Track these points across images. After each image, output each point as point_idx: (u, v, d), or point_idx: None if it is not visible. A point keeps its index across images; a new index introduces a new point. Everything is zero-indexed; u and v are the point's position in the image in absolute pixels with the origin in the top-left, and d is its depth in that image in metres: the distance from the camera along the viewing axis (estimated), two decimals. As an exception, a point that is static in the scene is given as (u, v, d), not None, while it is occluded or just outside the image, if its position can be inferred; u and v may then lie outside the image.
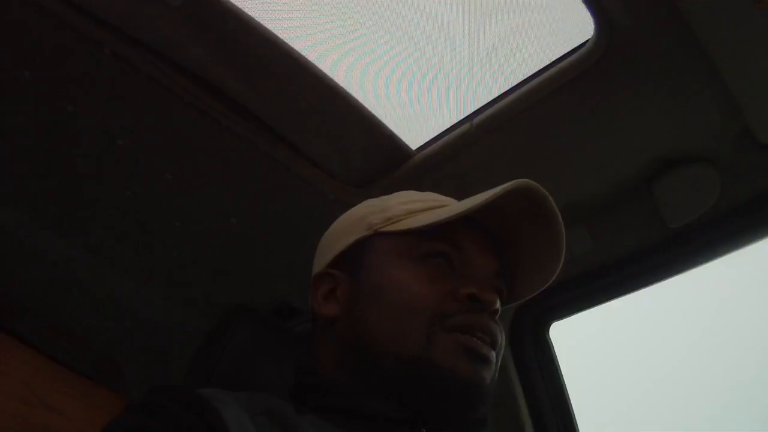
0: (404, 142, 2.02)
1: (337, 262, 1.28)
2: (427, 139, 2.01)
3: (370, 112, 1.95)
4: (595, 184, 1.95)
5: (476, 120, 1.87)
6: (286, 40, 1.80)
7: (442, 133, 1.97)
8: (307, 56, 1.83)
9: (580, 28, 1.64)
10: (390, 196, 1.34)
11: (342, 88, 1.90)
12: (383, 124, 1.98)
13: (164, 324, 2.82)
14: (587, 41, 1.65)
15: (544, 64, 1.75)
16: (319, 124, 2.00)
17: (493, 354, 1.16)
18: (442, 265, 1.20)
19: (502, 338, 1.19)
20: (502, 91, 1.83)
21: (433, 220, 1.19)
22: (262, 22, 1.76)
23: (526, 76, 1.79)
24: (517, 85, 1.80)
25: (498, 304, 1.18)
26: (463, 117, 1.92)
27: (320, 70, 1.86)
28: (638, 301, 2.08)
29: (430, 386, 1.11)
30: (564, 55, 1.72)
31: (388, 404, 1.12)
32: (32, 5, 1.73)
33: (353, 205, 1.37)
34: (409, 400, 1.12)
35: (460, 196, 1.29)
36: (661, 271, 2.00)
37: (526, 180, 1.16)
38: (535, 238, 1.25)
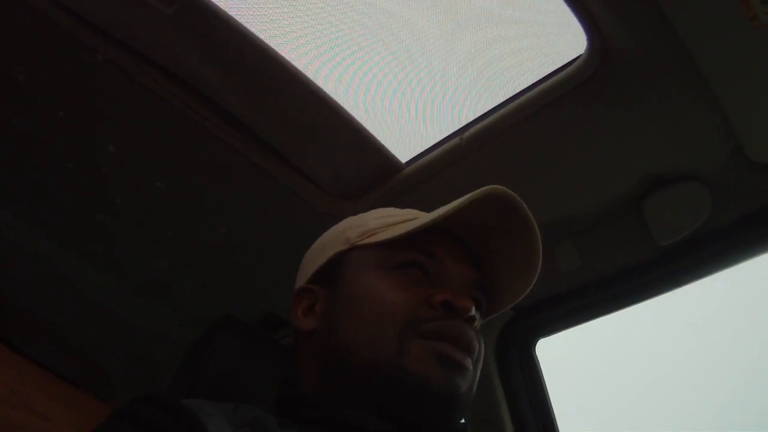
0: (394, 156, 2.01)
1: (316, 278, 1.28)
2: (417, 153, 2.00)
3: (360, 125, 1.95)
4: (584, 201, 1.94)
5: (466, 134, 1.86)
6: (278, 51, 1.80)
7: (432, 147, 1.96)
8: (299, 68, 1.83)
9: (573, 43, 1.64)
10: (369, 212, 1.35)
11: (333, 100, 1.89)
12: (373, 137, 1.97)
13: (151, 332, 2.81)
14: (579, 57, 1.64)
15: (536, 80, 1.75)
16: (309, 137, 2.00)
17: (469, 361, 1.15)
18: (417, 275, 1.19)
19: (480, 346, 1.19)
20: (493, 106, 1.83)
21: (405, 231, 1.19)
22: (255, 32, 1.76)
23: (516, 91, 1.78)
24: (508, 100, 1.80)
25: (473, 311, 1.17)
26: (453, 131, 1.91)
27: (312, 83, 1.86)
28: (626, 318, 2.08)
29: (403, 393, 1.10)
30: (556, 70, 1.71)
31: (368, 416, 1.10)
32: (27, 9, 1.72)
33: (343, 218, 1.36)
34: (386, 410, 1.11)
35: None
36: (650, 288, 2.00)
37: (496, 186, 1.16)
38: (512, 247, 1.25)
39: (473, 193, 1.17)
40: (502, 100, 1.81)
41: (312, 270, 1.30)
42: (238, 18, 1.73)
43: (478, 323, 1.23)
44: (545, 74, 1.73)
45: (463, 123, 1.89)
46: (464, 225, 1.24)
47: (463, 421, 1.19)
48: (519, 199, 1.19)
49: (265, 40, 1.77)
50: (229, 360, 1.48)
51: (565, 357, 2.31)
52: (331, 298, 1.23)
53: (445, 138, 1.93)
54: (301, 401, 1.17)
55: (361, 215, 1.34)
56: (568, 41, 1.66)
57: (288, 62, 1.81)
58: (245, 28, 1.74)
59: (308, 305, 1.26)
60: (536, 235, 1.22)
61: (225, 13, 1.71)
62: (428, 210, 1.32)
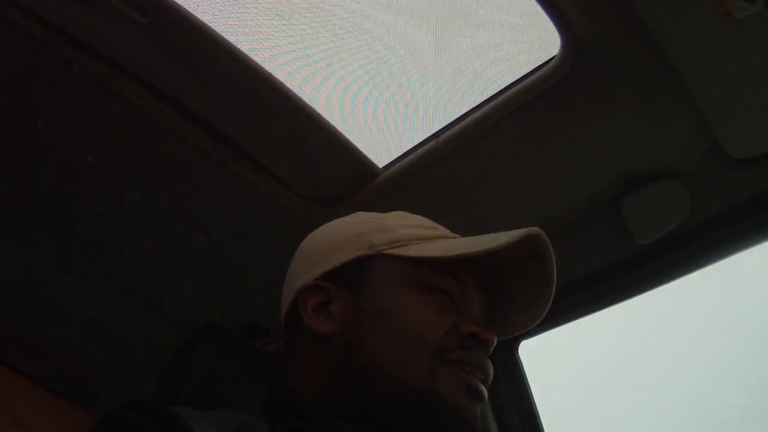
0: (371, 160, 2.01)
1: (330, 276, 1.22)
2: (394, 157, 2.00)
3: (336, 131, 1.94)
4: (562, 202, 1.94)
5: (442, 137, 1.86)
6: (253, 59, 1.79)
7: (409, 151, 1.96)
8: (274, 74, 1.83)
9: (547, 43, 1.64)
10: (387, 214, 1.30)
11: (309, 106, 1.89)
12: (350, 142, 1.97)
13: (133, 342, 2.80)
14: (553, 58, 1.64)
15: (511, 81, 1.74)
16: (286, 143, 1.99)
17: (486, 392, 1.15)
18: (446, 300, 1.17)
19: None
20: (468, 108, 1.82)
21: (445, 255, 1.17)
22: (229, 40, 1.75)
23: (492, 94, 1.78)
24: (483, 102, 1.79)
25: (495, 343, 1.17)
26: (429, 135, 1.91)
27: (288, 89, 1.85)
28: (608, 318, 2.08)
29: (429, 418, 1.09)
30: (530, 71, 1.71)
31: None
32: (2, 20, 1.72)
33: (320, 224, 1.33)
34: (398, 429, 1.10)
35: (427, 214, 1.29)
36: (631, 288, 2.00)
37: (535, 229, 1.15)
38: (527, 286, 1.24)
39: (517, 232, 1.15)
40: (478, 102, 1.81)
41: (323, 268, 1.22)
42: (213, 26, 1.72)
43: None
44: (520, 75, 1.73)
45: (440, 126, 1.88)
46: (492, 255, 1.20)
47: None
48: (550, 245, 1.19)
49: (241, 48, 1.77)
50: (211, 368, 1.47)
51: (548, 358, 2.30)
52: (353, 304, 1.18)
53: (421, 142, 1.92)
54: (298, 409, 1.15)
55: (377, 216, 1.30)
56: (542, 42, 1.65)
57: (264, 69, 1.81)
58: (221, 36, 1.74)
59: (320, 303, 1.20)
60: (553, 282, 1.22)
61: (200, 21, 1.71)
62: (408, 212, 1.31)
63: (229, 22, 1.73)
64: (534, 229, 1.15)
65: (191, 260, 2.42)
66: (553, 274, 1.21)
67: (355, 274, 1.20)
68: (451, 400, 1.09)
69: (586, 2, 1.48)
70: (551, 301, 1.24)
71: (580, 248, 1.98)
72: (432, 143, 1.88)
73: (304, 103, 1.88)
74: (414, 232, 1.23)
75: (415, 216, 1.30)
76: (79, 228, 2.35)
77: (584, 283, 2.02)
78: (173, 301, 2.60)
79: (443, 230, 1.27)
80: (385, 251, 1.19)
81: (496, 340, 1.16)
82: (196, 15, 1.70)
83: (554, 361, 2.36)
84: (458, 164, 1.88)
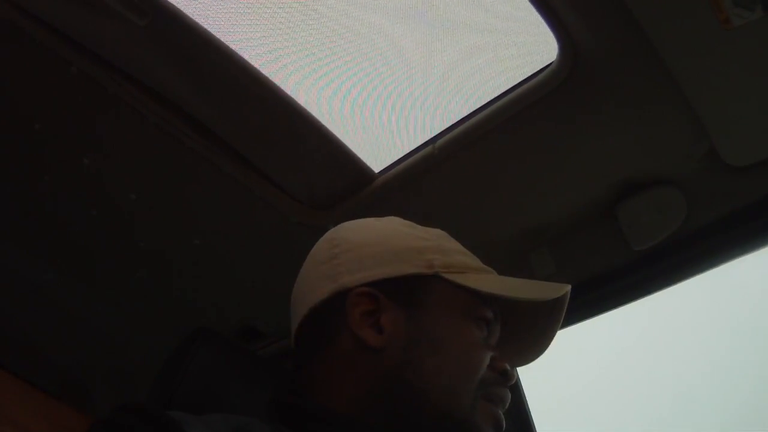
0: (367, 165, 2.00)
1: (382, 285, 1.18)
2: (390, 162, 1.99)
3: (333, 135, 1.94)
4: (558, 207, 1.94)
5: (439, 143, 1.86)
6: (250, 62, 1.79)
7: (405, 156, 1.95)
8: (271, 78, 1.82)
9: (544, 50, 1.64)
10: (430, 230, 1.27)
11: (306, 111, 1.88)
12: (346, 146, 1.96)
13: (129, 344, 2.79)
14: (551, 63, 1.64)
15: (508, 87, 1.75)
16: (282, 147, 1.99)
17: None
18: (485, 332, 1.19)
19: None
20: (466, 113, 1.82)
21: (500, 293, 1.18)
22: (227, 42, 1.75)
23: (489, 99, 1.78)
24: (480, 107, 1.79)
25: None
26: (426, 140, 1.90)
27: (284, 92, 1.85)
28: (602, 324, 2.08)
29: None
30: (527, 78, 1.71)
31: None
32: (2, 22, 1.72)
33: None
34: None
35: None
36: (627, 293, 2.00)
37: (567, 286, 1.19)
38: (531, 331, 1.27)
39: (558, 287, 1.20)
40: (475, 108, 1.81)
41: (377, 274, 1.19)
42: (210, 29, 1.72)
43: None
44: (518, 81, 1.73)
45: (437, 131, 1.88)
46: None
47: None
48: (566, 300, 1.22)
49: (238, 51, 1.76)
50: (205, 372, 1.46)
51: (542, 364, 2.30)
52: (408, 323, 1.16)
53: (418, 147, 1.92)
54: (322, 419, 1.12)
55: (427, 231, 1.26)
56: (539, 48, 1.65)
57: (261, 73, 1.80)
58: (218, 39, 1.74)
59: (367, 311, 1.16)
60: (555, 335, 1.26)
61: (197, 24, 1.70)
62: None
63: (225, 24, 1.73)
64: (566, 286, 1.19)
65: (186, 264, 2.41)
66: (557, 328, 1.26)
67: (411, 290, 1.18)
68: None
69: (583, 9, 1.48)
70: (545, 351, 1.28)
71: (576, 254, 1.99)
72: (428, 148, 1.88)
73: (301, 107, 1.87)
74: (467, 261, 1.23)
75: (452, 238, 1.29)
76: (74, 230, 2.35)
77: (580, 289, 2.00)
78: (168, 304, 2.59)
79: (483, 266, 1.27)
80: (443, 274, 1.18)
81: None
82: (194, 18, 1.70)
83: (549, 366, 2.36)
84: (454, 170, 1.88)
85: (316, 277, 1.23)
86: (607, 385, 2.36)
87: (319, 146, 1.95)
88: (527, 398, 2.15)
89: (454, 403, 1.10)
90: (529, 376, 2.17)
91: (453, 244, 1.26)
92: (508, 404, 1.17)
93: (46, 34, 1.75)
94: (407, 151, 1.95)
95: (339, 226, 1.31)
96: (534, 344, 1.27)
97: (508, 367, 1.16)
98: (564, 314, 1.23)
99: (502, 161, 1.85)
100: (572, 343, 2.19)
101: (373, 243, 1.23)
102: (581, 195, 1.90)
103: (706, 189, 1.81)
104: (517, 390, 2.15)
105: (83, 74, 1.82)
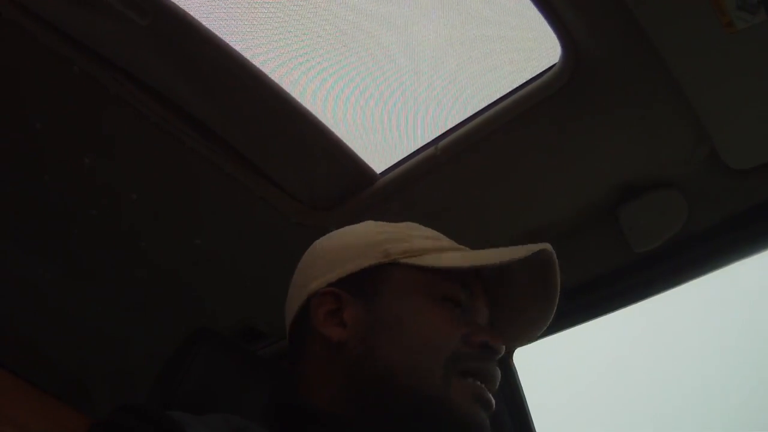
0: (368, 166, 2.00)
1: (341, 283, 1.22)
2: (392, 163, 1.99)
3: (334, 135, 1.94)
4: (560, 209, 1.94)
5: (441, 144, 1.86)
6: (253, 63, 1.79)
7: (407, 157, 1.95)
8: (273, 77, 1.82)
9: (547, 52, 1.64)
10: (398, 225, 1.30)
11: (307, 110, 1.88)
12: (348, 147, 1.96)
13: (129, 344, 2.79)
14: (553, 66, 1.64)
15: (510, 89, 1.74)
16: (283, 147, 1.99)
17: (494, 401, 1.16)
18: (455, 309, 1.18)
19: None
20: (468, 115, 1.82)
21: (459, 265, 1.18)
22: (228, 42, 1.75)
23: (491, 101, 1.78)
24: (483, 109, 1.79)
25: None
26: (428, 141, 1.90)
27: (287, 93, 1.85)
28: (603, 326, 2.08)
29: (442, 426, 1.10)
30: (530, 79, 1.71)
31: None
32: (4, 21, 1.71)
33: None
34: None
35: (424, 220, 1.29)
36: (627, 296, 2.00)
37: (548, 245, 1.16)
38: (529, 300, 1.26)
39: (529, 246, 1.16)
40: (477, 110, 1.80)
41: (336, 274, 1.22)
42: (212, 29, 1.72)
43: None
44: (520, 83, 1.73)
45: (439, 133, 1.88)
46: (498, 269, 1.22)
47: None
48: (556, 261, 1.19)
49: (240, 51, 1.76)
50: (205, 373, 1.46)
51: (543, 366, 2.30)
52: (367, 312, 1.18)
53: (420, 148, 1.92)
54: (309, 418, 1.14)
55: (392, 225, 1.30)
56: (542, 50, 1.65)
57: (263, 73, 1.80)
58: (220, 39, 1.74)
59: (331, 310, 1.20)
60: (555, 301, 1.23)
61: (199, 24, 1.70)
62: (404, 220, 1.31)
63: (227, 24, 1.73)
64: (546, 245, 1.16)
65: (187, 263, 2.41)
66: (556, 292, 1.22)
67: (369, 282, 1.20)
68: (463, 408, 1.10)
69: (586, 11, 1.48)
70: (548, 322, 1.25)
71: (577, 256, 1.98)
72: (431, 150, 1.88)
73: (303, 107, 1.87)
74: (428, 243, 1.23)
75: (425, 227, 1.30)
76: (74, 230, 2.34)
77: (580, 291, 2.02)
78: (169, 304, 2.59)
79: (452, 242, 1.28)
80: (401, 260, 1.20)
81: (504, 348, 1.17)
82: (196, 18, 1.70)
83: (549, 368, 2.36)
84: (456, 171, 1.88)
85: (296, 287, 1.28)
86: (608, 387, 2.36)
87: (320, 146, 1.95)
88: (527, 399, 2.15)
89: (422, 381, 1.10)
90: (530, 376, 2.18)
91: (418, 231, 1.28)
92: (496, 379, 1.16)
93: (47, 34, 1.75)
94: (409, 152, 1.95)
95: (325, 235, 1.34)
96: (534, 314, 1.26)
97: (488, 338, 1.15)
98: (557, 276, 1.21)
99: (504, 163, 1.85)
100: (573, 344, 2.20)
101: (339, 246, 1.28)
102: (583, 197, 1.90)
103: (707, 192, 1.81)
104: (517, 390, 2.15)
105: (85, 74, 1.82)
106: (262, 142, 1.99)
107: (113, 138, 2.02)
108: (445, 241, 1.26)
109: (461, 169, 1.87)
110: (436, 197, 1.94)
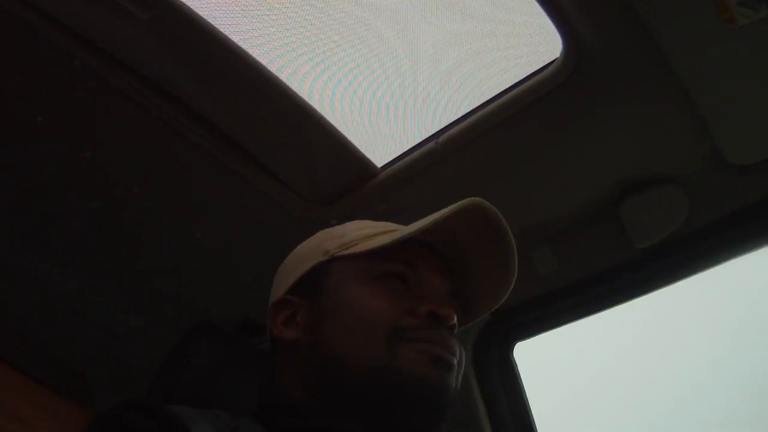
0: (370, 160, 2.00)
1: (294, 289, 1.28)
2: (393, 157, 1.99)
3: (336, 129, 1.94)
4: (561, 204, 1.94)
5: (442, 138, 1.86)
6: (254, 56, 1.79)
7: (408, 150, 1.95)
8: (274, 72, 1.82)
9: (548, 47, 1.64)
10: (345, 224, 1.36)
11: (309, 105, 1.89)
12: (349, 141, 1.96)
13: (129, 338, 2.79)
14: (555, 60, 1.64)
15: (511, 83, 1.74)
16: (285, 141, 1.99)
17: (456, 361, 1.17)
18: (399, 285, 1.21)
19: (461, 352, 1.20)
20: (469, 109, 1.82)
21: (386, 242, 1.20)
22: (230, 36, 1.75)
23: (492, 95, 1.77)
24: (484, 103, 1.79)
25: (455, 319, 1.21)
26: (429, 135, 1.90)
27: (289, 87, 1.85)
28: (604, 321, 2.07)
29: (398, 395, 1.11)
30: (531, 74, 1.71)
31: (356, 425, 1.10)
32: (6, 14, 1.71)
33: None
34: (377, 416, 1.12)
35: (425, 214, 1.28)
36: (628, 291, 2.00)
37: (474, 199, 1.19)
38: (488, 258, 1.27)
39: (452, 206, 1.18)
40: (478, 104, 1.80)
41: (290, 281, 1.30)
42: (213, 23, 1.72)
43: (456, 331, 1.24)
44: (521, 77, 1.73)
45: (440, 127, 1.88)
46: (442, 235, 1.25)
47: None
48: (497, 211, 1.21)
49: (241, 45, 1.76)
50: (206, 366, 1.46)
51: (543, 361, 2.30)
52: (313, 309, 1.23)
53: (421, 142, 1.92)
54: (287, 410, 1.16)
55: (336, 227, 1.36)
56: (543, 45, 1.65)
57: (264, 67, 1.80)
58: (221, 33, 1.74)
59: (288, 316, 1.26)
60: (512, 248, 1.24)
61: (201, 18, 1.70)
62: (405, 214, 1.33)
63: (228, 18, 1.73)
64: (470, 200, 1.19)
65: (188, 257, 2.41)
66: (507, 238, 1.24)
67: (315, 281, 1.26)
68: (414, 373, 1.11)
69: (588, 6, 1.48)
70: (514, 273, 1.26)
71: (577, 251, 1.99)
72: (431, 144, 1.88)
73: (304, 101, 1.87)
74: (363, 233, 1.28)
75: (370, 221, 1.36)
76: (75, 224, 2.34)
77: (581, 286, 2.02)
78: (171, 298, 2.59)
79: (394, 226, 1.31)
80: (338, 254, 1.25)
81: (455, 315, 1.20)
82: (197, 12, 1.69)
83: (549, 363, 2.36)
84: (457, 165, 1.88)
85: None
86: (608, 383, 2.36)
87: (322, 140, 1.95)
88: (528, 396, 2.15)
89: (367, 355, 1.13)
90: (531, 373, 2.18)
91: (358, 225, 1.34)
92: (451, 344, 1.17)
93: (49, 27, 1.74)
94: (410, 146, 1.95)
95: None
96: (497, 271, 1.28)
97: (433, 307, 1.16)
98: (501, 221, 1.22)
99: (505, 157, 1.85)
100: (573, 340, 2.20)
101: (292, 258, 1.37)
102: (584, 192, 1.90)
103: (708, 188, 1.81)
104: (517, 385, 2.15)
105: (86, 67, 1.82)
106: (264, 137, 2.00)
107: (114, 132, 2.02)
108: (383, 228, 1.30)
109: (462, 163, 1.87)
110: (437, 191, 1.93)
